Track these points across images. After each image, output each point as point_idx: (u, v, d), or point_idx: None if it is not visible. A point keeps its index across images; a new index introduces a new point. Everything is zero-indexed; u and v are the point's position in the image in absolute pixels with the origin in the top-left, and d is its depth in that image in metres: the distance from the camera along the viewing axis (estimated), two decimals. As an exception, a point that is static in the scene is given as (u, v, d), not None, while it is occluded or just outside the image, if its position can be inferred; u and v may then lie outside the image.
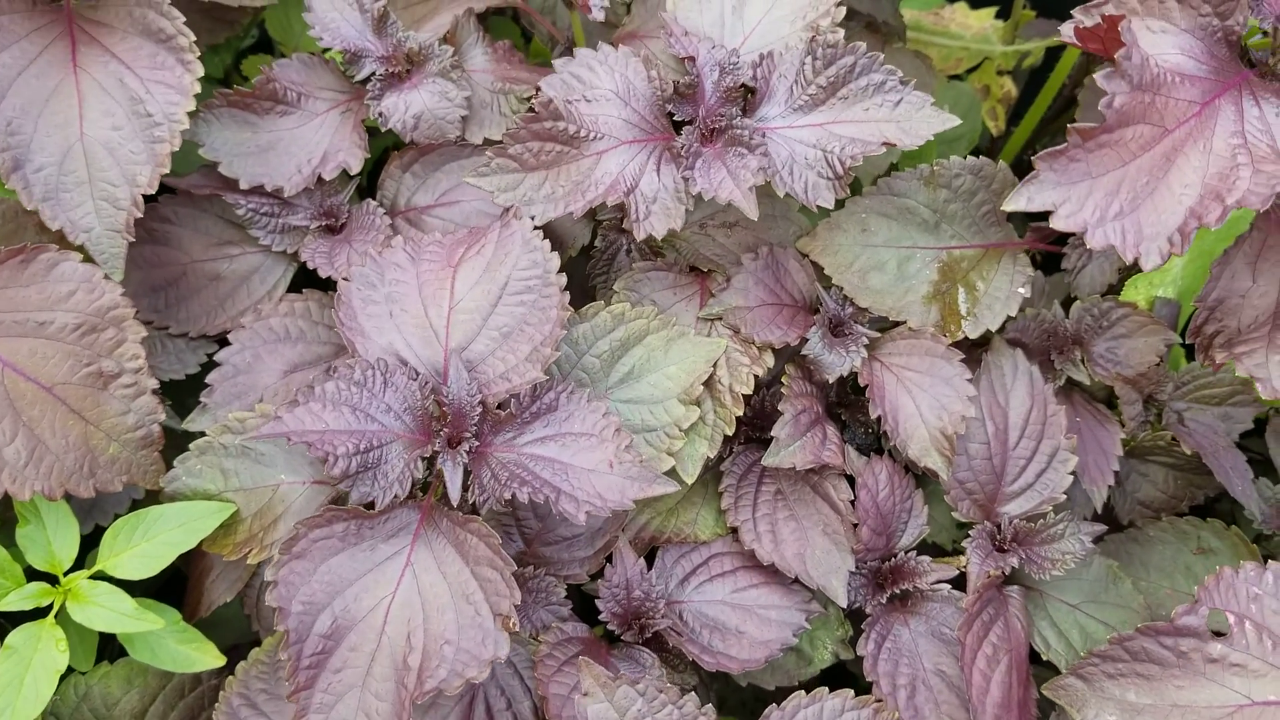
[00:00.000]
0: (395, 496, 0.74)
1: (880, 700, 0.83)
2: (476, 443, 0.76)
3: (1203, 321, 0.81)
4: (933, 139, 0.85)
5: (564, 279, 0.80)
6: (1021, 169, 1.34)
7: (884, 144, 0.84)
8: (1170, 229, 0.70)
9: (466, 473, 0.76)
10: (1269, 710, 0.77)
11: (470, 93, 0.93)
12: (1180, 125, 0.72)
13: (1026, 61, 1.33)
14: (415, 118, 0.91)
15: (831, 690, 0.80)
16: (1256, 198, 0.68)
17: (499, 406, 0.77)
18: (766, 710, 0.78)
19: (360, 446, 0.73)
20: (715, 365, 0.86)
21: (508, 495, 0.74)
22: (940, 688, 0.88)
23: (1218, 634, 0.78)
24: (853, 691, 0.79)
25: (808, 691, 0.80)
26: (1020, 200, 0.70)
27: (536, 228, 0.81)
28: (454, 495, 0.74)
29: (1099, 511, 0.97)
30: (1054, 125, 1.31)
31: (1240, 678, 0.77)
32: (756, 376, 0.86)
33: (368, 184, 1.02)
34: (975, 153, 1.29)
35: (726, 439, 0.92)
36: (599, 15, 0.91)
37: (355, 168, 0.92)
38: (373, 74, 0.92)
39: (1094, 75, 0.69)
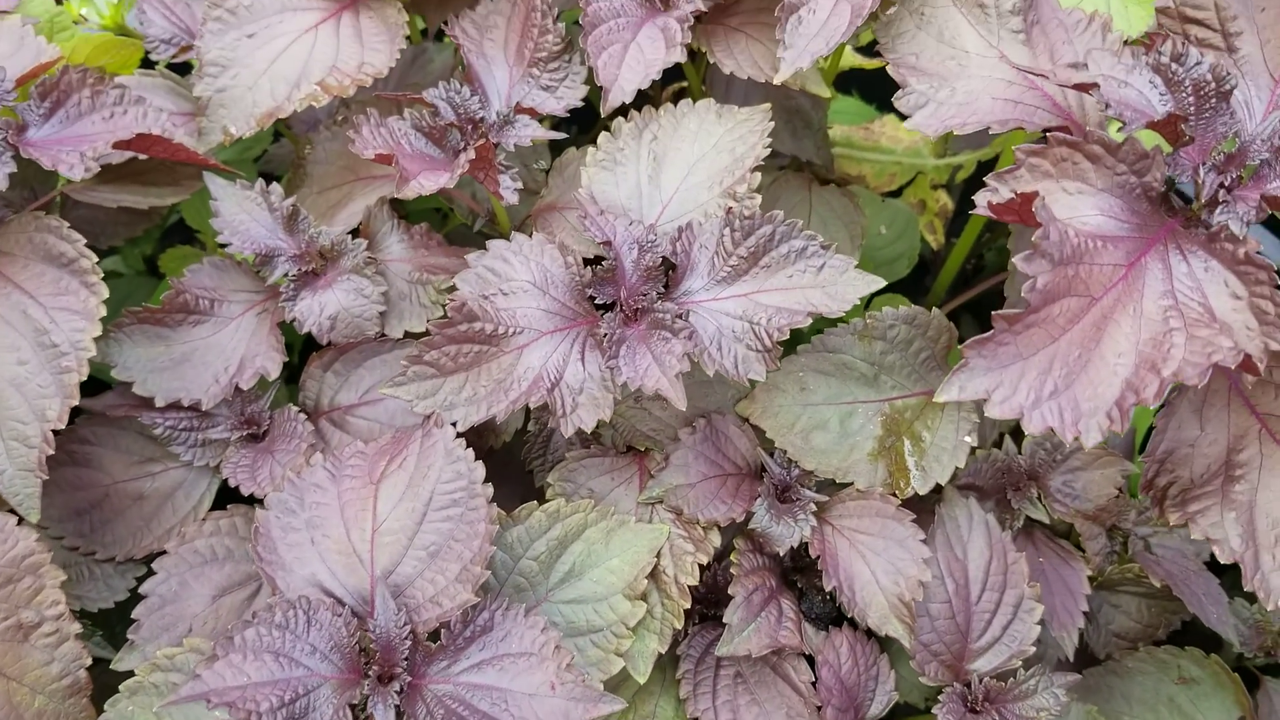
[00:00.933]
0: (326, 748, 0.69)
1: None
2: (409, 677, 0.72)
3: (1154, 475, 0.78)
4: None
5: (490, 490, 0.76)
6: (964, 280, 1.34)
7: (810, 314, 0.82)
8: (1108, 403, 0.68)
9: (400, 712, 0.72)
10: None
11: (387, 286, 0.90)
12: (1107, 291, 0.70)
13: (959, 175, 1.32)
14: (331, 319, 0.88)
15: None
16: (1193, 369, 0.66)
17: (431, 634, 0.74)
18: None
19: (285, 698, 0.69)
20: (659, 554, 0.83)
21: (445, 734, 0.70)
22: None
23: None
24: None
25: None
26: (953, 390, 0.67)
27: (460, 435, 0.78)
28: (386, 742, 0.70)
29: (1073, 651, 0.94)
30: (992, 238, 1.30)
31: None
32: (701, 565, 0.83)
33: (298, 368, 0.99)
34: (917, 268, 1.30)
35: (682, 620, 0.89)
36: (511, 199, 0.89)
37: (274, 373, 0.89)
38: (286, 274, 0.90)
39: (1013, 260, 0.67)
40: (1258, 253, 0.69)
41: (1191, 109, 0.74)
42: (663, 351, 0.80)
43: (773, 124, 0.93)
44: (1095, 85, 0.73)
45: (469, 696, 0.72)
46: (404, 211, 0.98)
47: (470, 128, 0.92)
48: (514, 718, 0.71)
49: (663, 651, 0.82)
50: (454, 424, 0.79)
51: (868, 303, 1.19)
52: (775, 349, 0.82)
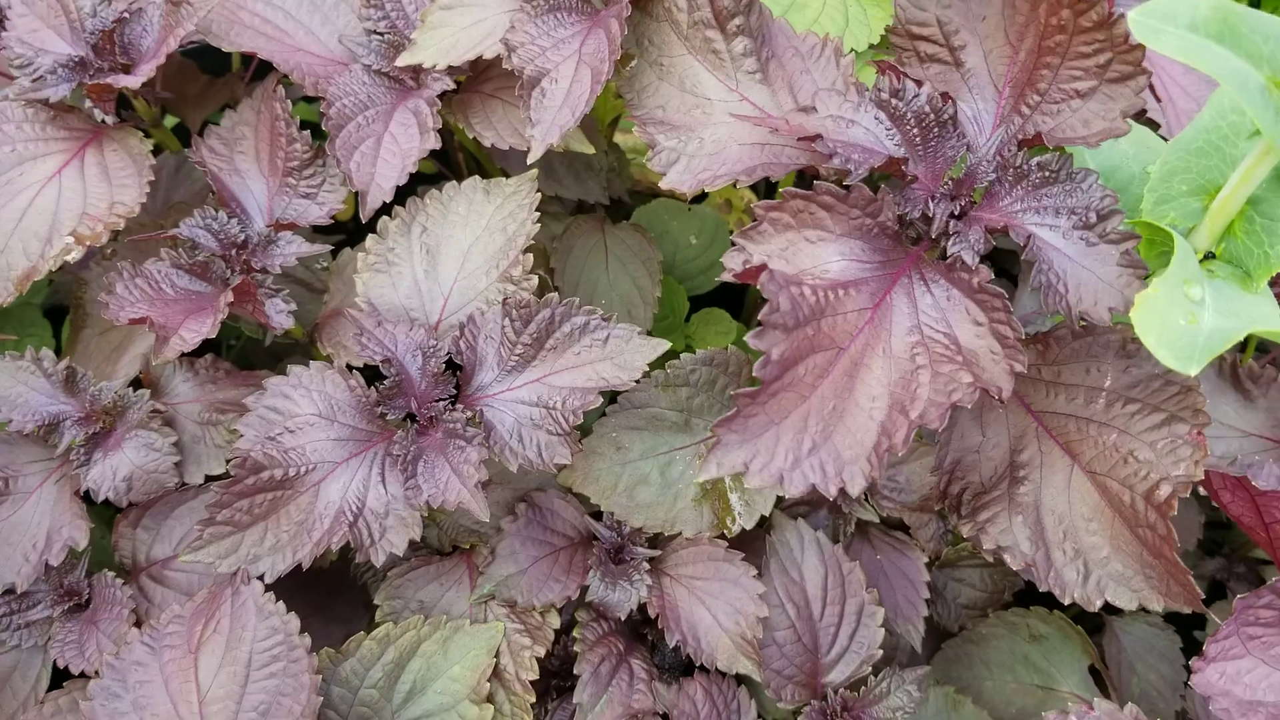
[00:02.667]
0: None
1: None
2: (259, 845, 0.73)
3: (946, 485, 0.81)
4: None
5: (308, 640, 0.77)
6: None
7: (601, 390, 0.83)
8: (868, 449, 0.69)
9: None
10: None
11: (177, 435, 0.89)
12: (855, 338, 0.72)
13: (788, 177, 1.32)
14: (126, 480, 0.87)
15: None
16: (935, 410, 0.68)
17: (276, 793, 0.74)
18: None
19: None
20: (498, 653, 0.84)
21: None
22: None
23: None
24: None
25: None
26: (711, 470, 0.68)
27: (269, 588, 0.78)
28: None
29: (919, 643, 0.98)
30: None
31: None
32: (539, 658, 0.84)
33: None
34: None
35: (541, 696, 0.91)
36: (284, 323, 0.88)
37: (82, 542, 0.87)
38: (74, 439, 0.88)
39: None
40: (990, 282, 0.71)
41: (918, 140, 0.75)
42: (460, 462, 0.80)
43: (554, 174, 0.93)
44: (819, 137, 0.74)
45: None
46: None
47: (235, 252, 0.90)
48: None
49: (518, 746, 0.83)
50: (262, 577, 0.78)
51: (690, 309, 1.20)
52: (574, 431, 0.83)
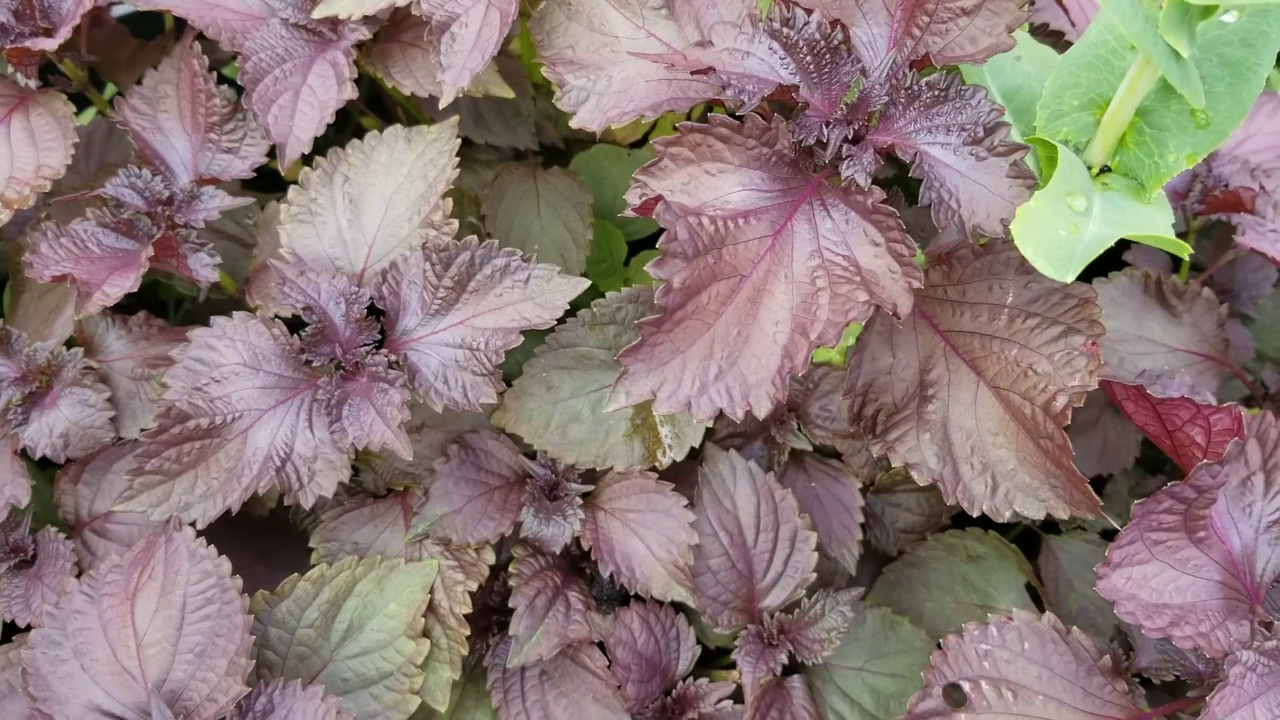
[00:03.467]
0: None
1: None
2: (198, 778, 0.75)
3: (860, 408, 0.83)
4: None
5: (239, 582, 0.79)
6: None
7: (523, 329, 0.84)
8: (772, 372, 0.71)
9: (199, 811, 0.75)
10: (1027, 757, 0.80)
11: (111, 392, 0.90)
12: (757, 265, 0.73)
13: (695, 110, 1.33)
14: (63, 437, 0.89)
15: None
16: (832, 329, 0.70)
17: (215, 730, 0.77)
18: None
19: (77, 832, 0.72)
20: (433, 589, 0.86)
21: (244, 822, 0.74)
22: (748, 805, 0.90)
23: (961, 703, 0.81)
24: None
25: None
26: (620, 399, 0.70)
27: (204, 535, 0.80)
28: None
29: (854, 566, 1.00)
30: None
31: (992, 736, 0.81)
32: (472, 592, 0.86)
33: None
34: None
35: (482, 633, 0.93)
36: (209, 277, 0.89)
37: (24, 500, 0.89)
38: (11, 400, 0.90)
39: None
40: (883, 202, 0.72)
41: (811, 67, 0.76)
42: (383, 404, 0.82)
43: (484, 122, 0.93)
44: (712, 69, 0.75)
45: (262, 781, 0.75)
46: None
47: (160, 209, 0.91)
48: (307, 791, 0.74)
49: (456, 678, 0.86)
50: (194, 523, 0.80)
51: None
52: (498, 370, 0.84)
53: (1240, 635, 0.74)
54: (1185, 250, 0.67)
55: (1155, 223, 0.71)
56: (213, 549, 0.79)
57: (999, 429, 0.79)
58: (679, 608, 0.96)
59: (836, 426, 1.01)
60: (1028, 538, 1.14)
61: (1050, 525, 1.10)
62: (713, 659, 1.01)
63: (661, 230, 0.70)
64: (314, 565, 0.86)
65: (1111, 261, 1.09)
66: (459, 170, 0.91)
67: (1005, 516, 0.78)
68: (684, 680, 0.94)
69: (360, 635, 0.84)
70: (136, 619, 0.79)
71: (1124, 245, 1.22)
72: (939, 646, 0.81)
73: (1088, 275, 0.81)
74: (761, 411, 0.71)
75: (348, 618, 0.84)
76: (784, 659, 0.93)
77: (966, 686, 0.80)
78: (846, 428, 1.01)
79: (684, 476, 0.96)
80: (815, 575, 0.96)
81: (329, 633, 0.84)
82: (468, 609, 0.85)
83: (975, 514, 0.78)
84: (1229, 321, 1.16)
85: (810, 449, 1.02)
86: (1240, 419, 0.73)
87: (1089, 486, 0.74)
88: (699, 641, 0.97)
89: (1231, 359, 1.12)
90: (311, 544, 0.88)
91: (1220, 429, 0.75)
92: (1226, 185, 1.08)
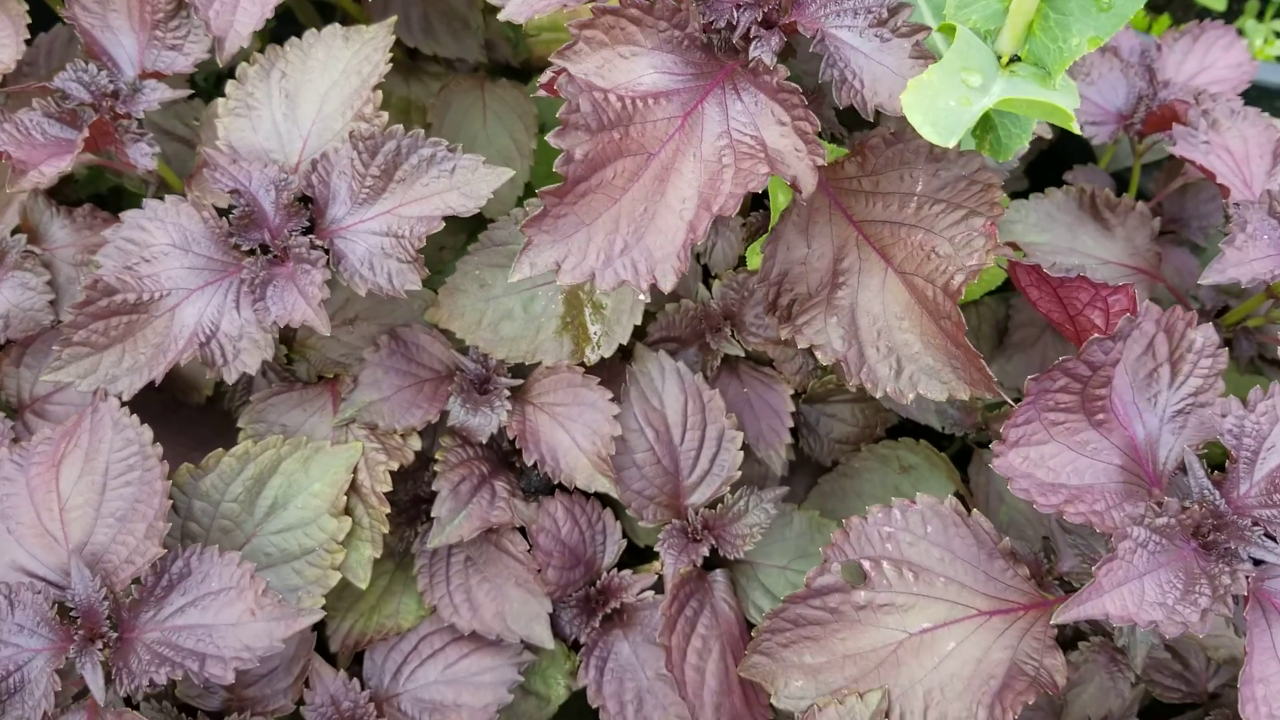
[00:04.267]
0: (45, 714, 0.75)
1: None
2: (115, 634, 0.78)
3: (775, 296, 0.84)
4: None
5: (160, 449, 0.81)
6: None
7: (445, 215, 0.86)
8: (678, 246, 0.73)
9: (115, 666, 0.77)
10: (925, 638, 0.82)
11: (51, 276, 0.93)
12: (665, 144, 0.75)
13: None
14: (4, 318, 0.91)
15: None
16: (733, 200, 0.71)
17: (137, 592, 0.79)
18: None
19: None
20: (356, 469, 0.88)
21: (161, 680, 0.76)
22: (665, 692, 0.92)
23: (860, 581, 0.82)
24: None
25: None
26: (524, 269, 0.72)
27: (124, 404, 0.82)
28: (98, 695, 0.75)
29: (781, 467, 1.01)
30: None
31: (892, 615, 0.82)
32: (393, 471, 0.88)
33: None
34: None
35: (412, 521, 0.95)
36: (147, 164, 0.91)
37: (-34, 381, 0.92)
38: (-45, 283, 0.92)
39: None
40: (787, 79, 0.74)
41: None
42: (305, 284, 0.84)
43: (433, 33, 0.95)
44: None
45: (177, 639, 0.78)
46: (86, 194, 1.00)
47: (105, 102, 0.93)
48: (219, 648, 0.77)
49: (377, 555, 0.88)
50: (120, 395, 0.83)
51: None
52: (420, 256, 0.86)
53: (1134, 514, 0.75)
54: (1070, 121, 0.68)
55: (1054, 101, 0.72)
56: (135, 419, 0.82)
57: (905, 313, 0.80)
58: (606, 502, 0.98)
59: (770, 334, 1.03)
60: (964, 453, 1.15)
61: (984, 440, 1.12)
62: (642, 558, 1.03)
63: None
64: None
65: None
66: (405, 78, 0.94)
67: (909, 399, 0.80)
68: (609, 572, 0.96)
69: (284, 512, 0.87)
70: (61, 485, 0.81)
71: (1066, 167, 1.23)
72: (841, 526, 0.83)
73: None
74: (667, 285, 0.73)
75: (272, 495, 0.86)
76: (705, 552, 0.94)
77: (867, 565, 0.82)
78: (779, 335, 1.03)
79: (615, 377, 0.98)
80: (740, 474, 0.97)
81: (253, 508, 0.86)
82: (388, 488, 0.88)
83: (879, 395, 0.80)
84: (1178, 249, 1.17)
85: (743, 355, 1.03)
86: (1134, 298, 0.74)
87: (984, 364, 0.75)
88: (626, 536, 0.99)
89: (1176, 284, 1.13)
90: (240, 424, 0.90)
91: (1118, 310, 0.76)
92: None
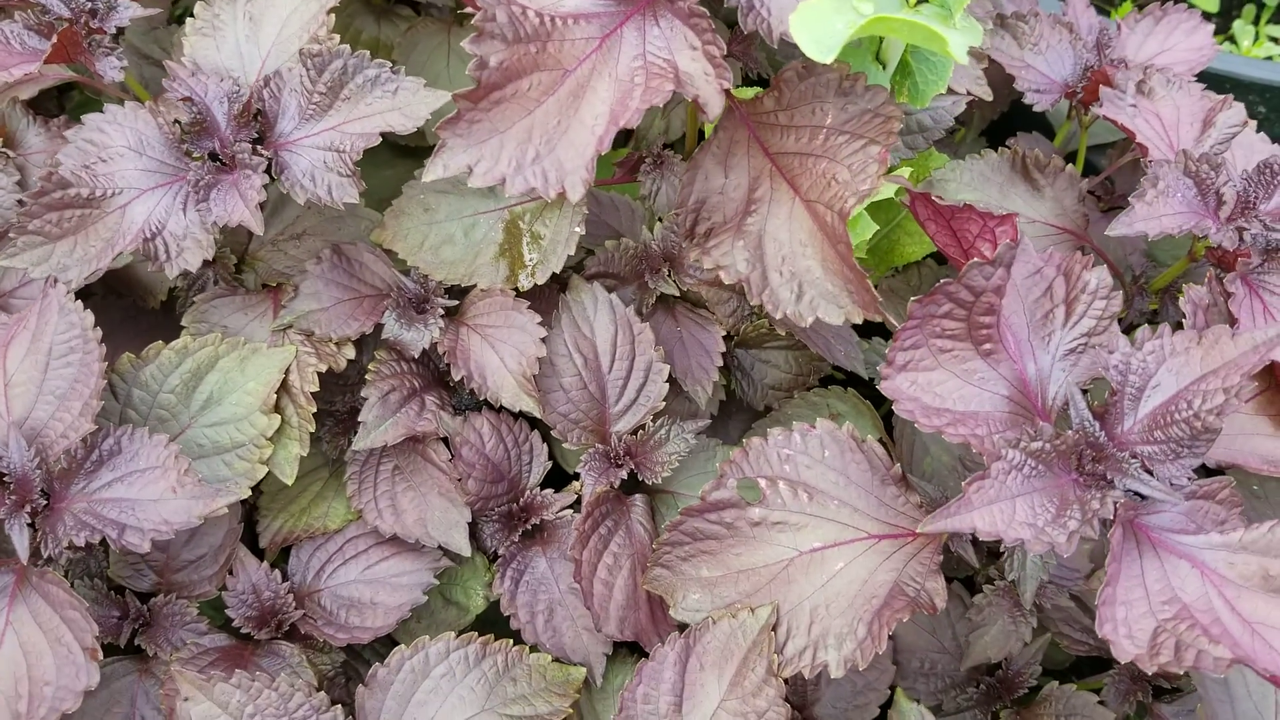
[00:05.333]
0: (-28, 570, 0.80)
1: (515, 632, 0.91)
2: (45, 501, 0.83)
3: (692, 224, 0.88)
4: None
5: (100, 333, 0.86)
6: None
7: (383, 133, 0.91)
8: (588, 159, 0.77)
9: (45, 532, 0.82)
10: (815, 557, 0.85)
11: (22, 177, 0.98)
12: (582, 62, 0.79)
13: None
14: (-30, 214, 0.96)
15: (491, 632, 0.89)
16: (637, 115, 0.75)
17: (67, 463, 0.84)
18: (371, 669, 0.85)
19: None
20: (289, 371, 0.92)
21: (80, 542, 0.81)
22: (575, 605, 0.96)
23: (755, 499, 0.86)
24: (454, 635, 0.87)
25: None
26: (437, 169, 0.76)
27: (72, 292, 0.87)
28: (22, 554, 0.80)
29: (705, 401, 1.04)
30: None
31: (785, 533, 0.85)
32: (319, 373, 0.92)
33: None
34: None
35: (347, 431, 1.00)
36: (113, 76, 0.96)
37: (-66, 274, 0.97)
38: (-70, 180, 0.98)
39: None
40: (699, 3, 0.78)
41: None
42: (246, 187, 0.88)
43: None
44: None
45: (102, 509, 0.82)
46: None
47: (82, 18, 0.99)
48: (139, 520, 0.81)
49: (304, 454, 0.92)
50: (69, 283, 0.88)
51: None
52: (357, 169, 0.91)
53: (1011, 438, 0.78)
54: (945, 44, 0.71)
55: (948, 37, 0.76)
56: (79, 304, 0.87)
57: (808, 240, 0.83)
58: (536, 425, 1.02)
59: (703, 275, 1.06)
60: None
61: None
62: (569, 484, 1.06)
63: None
64: (182, 339, 0.93)
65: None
66: (378, 19, 0.98)
67: (807, 321, 0.83)
68: (532, 490, 1.00)
69: (219, 407, 0.91)
70: (8, 364, 0.86)
71: (1010, 132, 1.25)
72: (741, 446, 0.86)
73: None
74: (575, 194, 0.77)
75: (208, 389, 0.91)
76: (624, 475, 0.98)
77: (764, 484, 0.85)
78: (712, 276, 1.06)
79: (550, 307, 1.02)
80: (665, 405, 1.01)
81: (189, 401, 0.91)
82: (316, 388, 0.92)
83: (778, 316, 0.83)
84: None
85: (679, 295, 1.07)
86: (1016, 225, 0.77)
87: (870, 286, 0.79)
88: (553, 460, 1.03)
89: (1117, 258, 1.15)
90: (184, 323, 0.95)
91: (1006, 239, 0.79)
92: (1117, 81, 1.11)
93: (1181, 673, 0.74)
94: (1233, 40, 1.77)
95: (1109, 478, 0.77)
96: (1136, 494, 0.79)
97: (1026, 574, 0.88)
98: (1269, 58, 1.77)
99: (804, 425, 0.86)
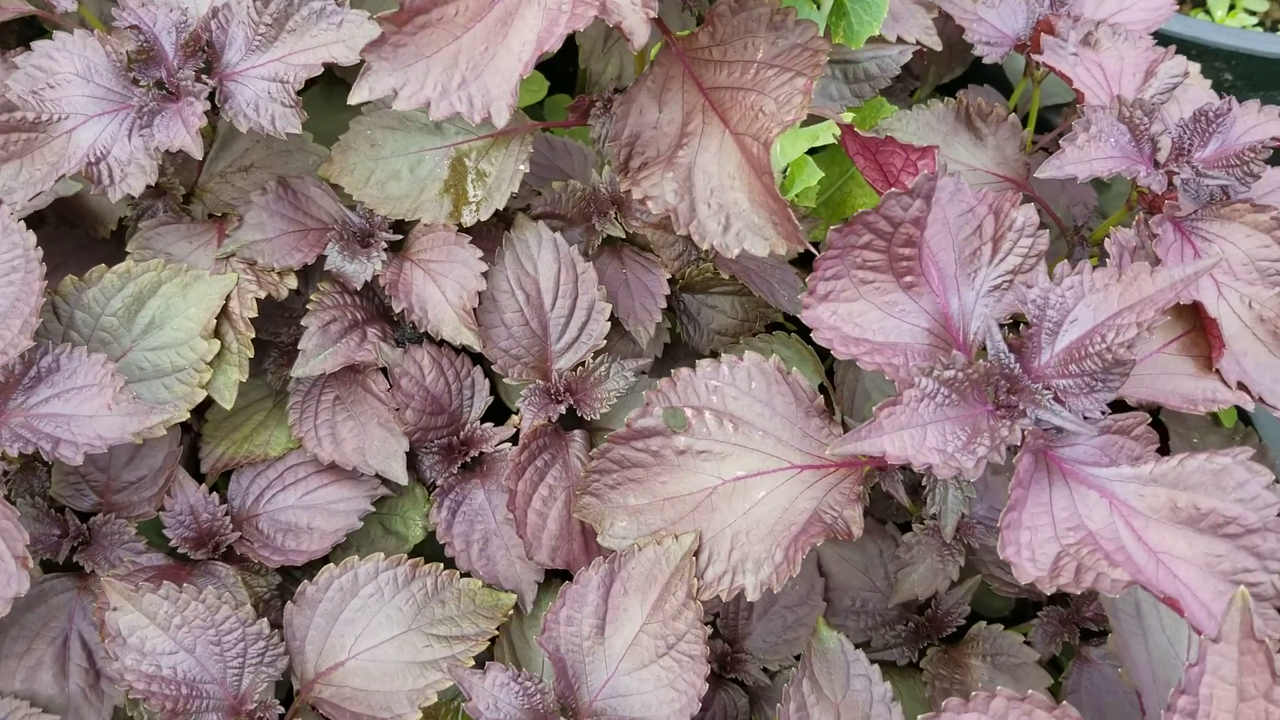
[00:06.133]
0: (-91, 478, 0.82)
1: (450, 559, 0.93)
2: (-15, 415, 0.84)
3: (626, 158, 0.89)
4: None
5: (41, 253, 0.87)
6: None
7: (326, 64, 0.92)
8: (513, 85, 0.78)
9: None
10: (738, 485, 0.87)
11: (-31, 103, 0.99)
12: (512, -12, 0.80)
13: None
14: (-78, 138, 0.98)
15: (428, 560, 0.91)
16: (559, 40, 0.76)
17: (5, 379, 0.86)
18: (300, 586, 0.87)
19: None
20: (229, 298, 0.94)
21: (14, 453, 0.83)
22: (510, 535, 0.97)
23: (681, 427, 0.87)
24: (383, 556, 0.89)
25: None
26: (363, 93, 0.78)
27: (17, 214, 0.89)
28: (-44, 465, 0.82)
29: (647, 342, 1.06)
30: None
31: (710, 462, 0.87)
32: (259, 299, 0.94)
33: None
34: None
35: (292, 362, 1.01)
36: (69, 6, 0.98)
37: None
38: (-115, 106, 0.99)
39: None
40: (626, -65, 0.79)
41: None
42: (188, 114, 0.90)
43: None
44: None
45: (39, 424, 0.84)
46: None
47: (37, -51, 1.00)
48: (73, 434, 0.83)
49: (243, 379, 0.94)
50: (14, 205, 0.89)
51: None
52: (299, 100, 0.92)
53: (924, 365, 0.79)
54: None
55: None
56: (22, 225, 0.88)
57: (736, 173, 0.84)
58: (478, 361, 1.03)
59: (649, 218, 1.07)
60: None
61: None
62: (513, 417, 1.08)
63: None
64: (126, 266, 0.95)
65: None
66: None
67: (734, 252, 0.84)
68: (472, 424, 1.01)
69: (160, 331, 0.93)
70: (-50, 282, 0.88)
71: (964, 85, 1.26)
72: (669, 376, 0.88)
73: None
74: (501, 120, 0.78)
75: (150, 314, 0.93)
76: (563, 410, 1.00)
77: (689, 413, 0.87)
78: (656, 219, 1.08)
79: (495, 246, 1.03)
80: (606, 343, 1.02)
81: (131, 325, 0.92)
82: (254, 314, 0.93)
83: (705, 247, 0.85)
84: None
85: (625, 238, 1.08)
86: (935, 156, 0.78)
87: (792, 215, 0.80)
88: (495, 394, 1.04)
89: (1058, 208, 1.17)
90: (128, 249, 0.96)
91: (927, 171, 0.80)
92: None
93: (1079, 592, 0.76)
94: (1207, 11, 1.78)
95: (1022, 409, 0.78)
96: (1053, 428, 0.80)
97: (948, 508, 0.89)
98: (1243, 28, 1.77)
99: (732, 358, 0.88)
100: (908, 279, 0.82)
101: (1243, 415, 1.18)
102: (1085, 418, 0.79)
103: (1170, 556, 0.75)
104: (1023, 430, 0.77)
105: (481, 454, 1.00)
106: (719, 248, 0.84)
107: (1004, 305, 0.84)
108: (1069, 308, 0.81)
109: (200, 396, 0.92)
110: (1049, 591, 0.72)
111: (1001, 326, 0.82)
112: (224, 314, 0.94)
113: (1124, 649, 0.84)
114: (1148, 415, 0.81)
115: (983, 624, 1.01)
